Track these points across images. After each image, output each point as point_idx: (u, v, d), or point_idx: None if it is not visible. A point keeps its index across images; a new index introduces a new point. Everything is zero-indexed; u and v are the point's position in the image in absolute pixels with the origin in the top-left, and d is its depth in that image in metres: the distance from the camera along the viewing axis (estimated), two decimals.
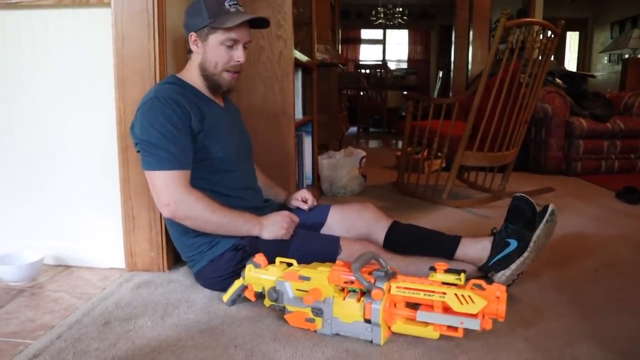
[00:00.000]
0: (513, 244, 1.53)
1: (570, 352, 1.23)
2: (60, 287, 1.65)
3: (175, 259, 1.79)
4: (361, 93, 7.23)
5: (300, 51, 2.43)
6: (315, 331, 1.31)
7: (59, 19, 1.74)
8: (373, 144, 6.50)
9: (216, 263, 1.51)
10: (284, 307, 1.35)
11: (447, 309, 1.21)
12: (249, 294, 1.44)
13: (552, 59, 2.84)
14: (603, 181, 3.49)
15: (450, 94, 6.07)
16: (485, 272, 1.57)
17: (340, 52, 7.16)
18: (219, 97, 1.63)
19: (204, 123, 1.49)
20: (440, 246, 1.61)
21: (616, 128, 3.85)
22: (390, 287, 1.24)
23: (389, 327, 1.27)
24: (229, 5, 1.49)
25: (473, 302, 1.16)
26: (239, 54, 1.52)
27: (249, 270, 1.40)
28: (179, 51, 1.81)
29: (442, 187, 2.81)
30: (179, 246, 1.61)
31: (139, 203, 1.70)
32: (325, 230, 1.72)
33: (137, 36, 1.64)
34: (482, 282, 1.20)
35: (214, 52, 1.51)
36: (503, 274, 1.52)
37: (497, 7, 5.67)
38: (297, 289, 1.32)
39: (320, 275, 1.29)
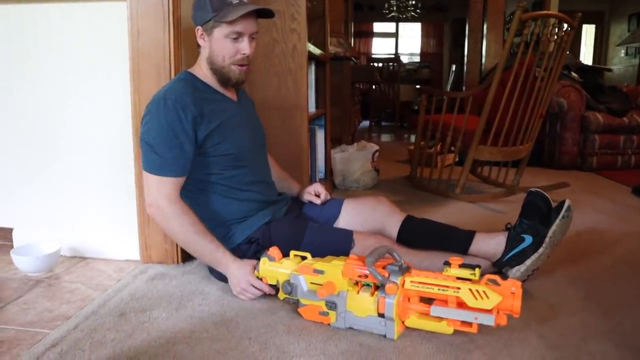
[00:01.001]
0: (528, 239, 1.52)
1: (586, 349, 1.22)
2: (76, 278, 1.67)
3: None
4: (373, 87, 7.21)
5: (313, 44, 2.42)
6: (328, 324, 1.31)
7: (74, 12, 1.75)
8: (385, 137, 6.48)
9: None
10: (298, 300, 1.35)
11: (461, 304, 1.20)
12: None
13: (567, 52, 2.80)
14: (619, 177, 3.45)
15: (464, 88, 6.02)
16: (500, 267, 1.56)
17: (352, 45, 7.13)
18: (231, 90, 1.63)
19: (214, 122, 1.49)
20: (454, 241, 1.60)
21: (633, 123, 3.79)
22: (404, 281, 1.24)
23: (403, 322, 1.27)
24: None
25: (488, 297, 1.16)
26: (244, 46, 1.50)
27: (263, 264, 1.41)
28: (193, 44, 1.81)
29: (455, 182, 2.80)
30: None
31: None
32: (338, 225, 1.72)
33: (153, 30, 1.65)
34: (497, 278, 1.20)
35: (219, 46, 1.50)
36: (518, 270, 1.51)
37: (511, 0, 5.61)
38: (311, 282, 1.32)
39: (334, 269, 1.30)
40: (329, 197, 1.77)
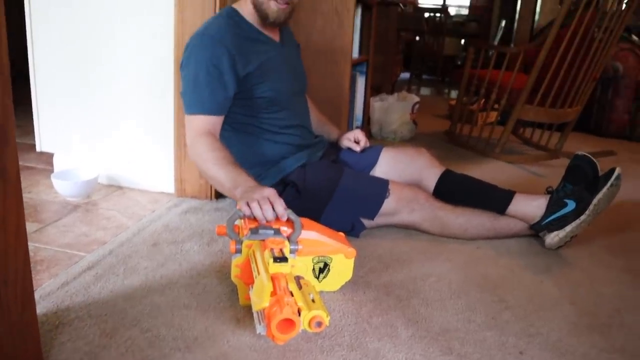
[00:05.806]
0: (571, 204, 1.46)
1: (620, 320, 1.19)
2: (112, 206, 1.71)
3: None
4: (417, 38, 6.96)
5: None
6: None
7: None
8: (425, 91, 6.31)
9: None
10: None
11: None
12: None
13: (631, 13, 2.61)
14: None
15: (512, 45, 5.76)
16: (537, 231, 1.52)
17: None
18: (274, 31, 1.56)
19: (253, 62, 1.44)
20: (492, 200, 1.56)
21: None
22: (252, 245, 1.08)
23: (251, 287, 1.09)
24: None
25: (260, 298, 0.92)
26: None
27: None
28: None
29: (495, 141, 2.71)
30: None
31: None
32: (374, 173, 1.69)
33: None
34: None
35: None
36: (556, 235, 1.47)
37: None
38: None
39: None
40: (368, 144, 1.73)
